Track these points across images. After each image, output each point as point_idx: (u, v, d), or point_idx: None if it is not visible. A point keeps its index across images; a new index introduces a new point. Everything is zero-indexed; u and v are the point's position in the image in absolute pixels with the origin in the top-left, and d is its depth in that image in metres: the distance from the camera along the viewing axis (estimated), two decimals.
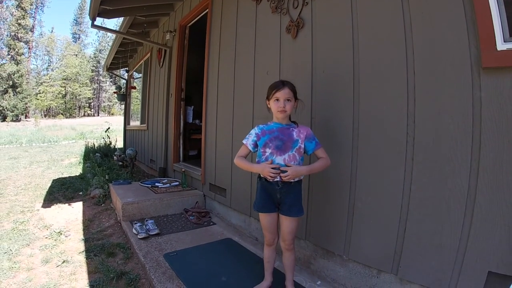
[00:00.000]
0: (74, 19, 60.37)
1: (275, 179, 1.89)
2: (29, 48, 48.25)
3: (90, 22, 4.81)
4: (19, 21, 42.53)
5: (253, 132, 2.04)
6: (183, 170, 4.63)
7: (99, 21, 6.15)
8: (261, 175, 1.97)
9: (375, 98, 1.98)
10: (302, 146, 1.94)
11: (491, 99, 1.45)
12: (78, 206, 4.42)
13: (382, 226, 1.91)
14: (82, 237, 3.31)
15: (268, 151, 1.93)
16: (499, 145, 1.43)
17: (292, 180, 1.90)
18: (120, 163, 6.92)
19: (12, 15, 42.06)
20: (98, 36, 58.41)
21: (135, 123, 8.88)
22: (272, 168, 1.86)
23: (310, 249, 2.47)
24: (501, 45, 1.41)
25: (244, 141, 2.05)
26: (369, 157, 2.00)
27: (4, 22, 41.55)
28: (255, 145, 2.01)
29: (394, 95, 1.86)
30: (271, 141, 1.94)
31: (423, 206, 1.71)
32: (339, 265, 2.23)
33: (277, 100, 1.92)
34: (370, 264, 2.01)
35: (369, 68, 2.01)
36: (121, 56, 8.61)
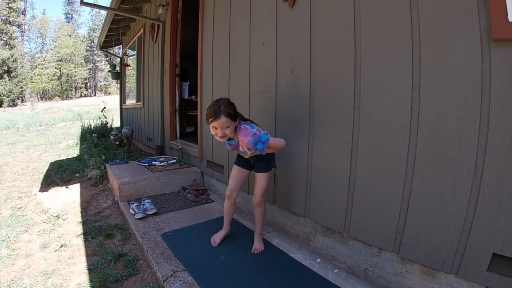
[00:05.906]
0: None
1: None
2: (22, 32, 47.23)
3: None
4: (9, 4, 41.24)
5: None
6: (180, 147, 4.55)
7: None
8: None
9: (378, 69, 1.85)
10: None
11: (502, 72, 1.34)
12: (75, 188, 4.37)
13: (384, 203, 1.84)
14: (79, 219, 3.28)
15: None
16: (509, 120, 1.34)
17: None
18: (117, 142, 6.82)
19: None
20: (91, 16, 56.91)
21: (131, 101, 8.70)
22: None
23: (309, 226, 2.42)
24: None
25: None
26: (371, 131, 1.90)
27: None
28: None
29: (398, 65, 1.74)
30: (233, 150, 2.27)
31: (427, 184, 1.63)
32: (339, 243, 2.19)
33: (215, 128, 1.99)
34: (371, 242, 1.96)
35: (371, 37, 1.87)
36: (114, 34, 8.36)
